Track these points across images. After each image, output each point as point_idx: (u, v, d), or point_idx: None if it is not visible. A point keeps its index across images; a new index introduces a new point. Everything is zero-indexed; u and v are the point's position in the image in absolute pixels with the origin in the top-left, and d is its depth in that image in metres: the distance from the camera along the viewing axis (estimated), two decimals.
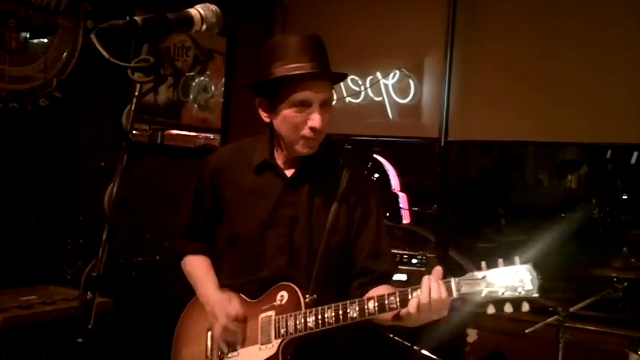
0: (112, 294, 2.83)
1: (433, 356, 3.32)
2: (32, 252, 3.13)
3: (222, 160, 2.09)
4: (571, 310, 3.10)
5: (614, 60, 3.65)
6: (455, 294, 1.61)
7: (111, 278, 3.43)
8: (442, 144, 4.15)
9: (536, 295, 1.55)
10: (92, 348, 1.19)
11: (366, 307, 1.72)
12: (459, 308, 3.86)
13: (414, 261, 3.76)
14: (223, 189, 2.04)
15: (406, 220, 4.28)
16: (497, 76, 4.02)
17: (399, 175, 4.36)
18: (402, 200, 4.29)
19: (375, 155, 4.60)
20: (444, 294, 1.62)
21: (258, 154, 1.99)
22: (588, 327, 3.55)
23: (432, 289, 1.62)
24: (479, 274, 1.60)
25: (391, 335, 3.34)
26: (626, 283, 3.22)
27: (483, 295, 1.58)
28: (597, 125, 3.74)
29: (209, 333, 2.00)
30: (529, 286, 1.55)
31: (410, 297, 1.66)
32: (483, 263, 1.61)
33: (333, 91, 1.95)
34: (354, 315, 1.73)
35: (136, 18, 1.25)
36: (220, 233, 2.07)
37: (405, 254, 3.77)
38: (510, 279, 1.57)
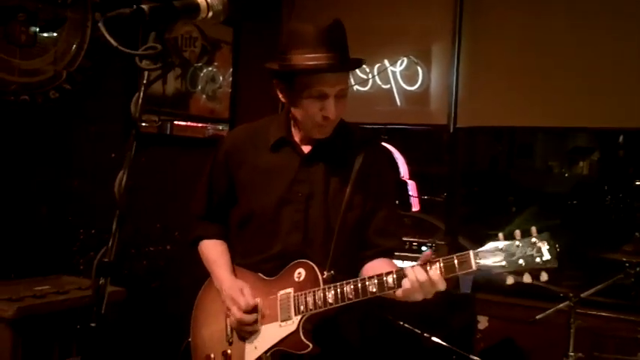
0: (124, 283, 2.87)
1: (444, 343, 3.32)
2: (45, 242, 3.17)
3: (236, 140, 2.12)
4: (582, 295, 3.09)
5: (625, 43, 3.62)
6: (474, 266, 1.62)
7: (122, 267, 3.47)
8: (450, 131, 4.15)
9: (554, 264, 1.56)
10: (104, 335, 1.21)
11: (385, 280, 1.74)
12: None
13: (424, 248, 3.76)
14: (237, 169, 2.06)
15: (415, 207, 4.27)
16: (505, 61, 4.01)
17: (408, 162, 4.35)
18: (411, 188, 4.28)
19: (383, 143, 4.59)
20: (433, 275, 1.65)
21: (274, 132, 2.02)
22: (600, 313, 3.55)
23: (417, 274, 1.66)
24: (497, 246, 1.62)
25: (401, 323, 3.34)
26: (638, 269, 3.19)
27: (502, 266, 1.60)
28: (608, 110, 3.72)
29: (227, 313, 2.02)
30: (547, 256, 1.57)
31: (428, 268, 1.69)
32: (500, 234, 1.63)
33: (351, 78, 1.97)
34: (374, 289, 1.75)
35: (143, 6, 1.26)
36: (234, 214, 2.10)
37: (415, 241, 3.77)
38: (528, 249, 1.58)
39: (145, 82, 1.24)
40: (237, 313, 1.93)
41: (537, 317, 3.10)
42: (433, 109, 4.27)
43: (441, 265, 1.66)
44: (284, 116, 2.04)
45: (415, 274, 1.66)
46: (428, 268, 1.67)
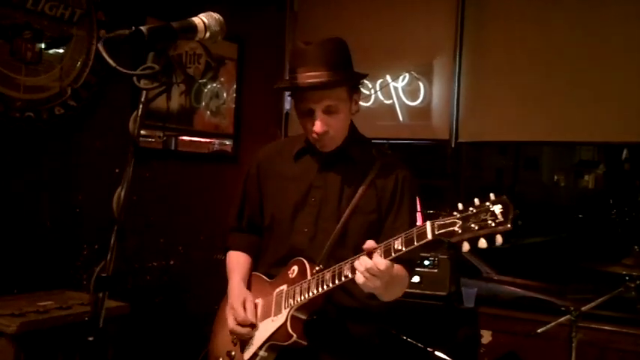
0: (128, 298, 2.88)
1: (448, 358, 3.32)
2: (48, 257, 3.19)
3: (267, 154, 2.24)
4: (583, 309, 3.09)
5: (630, 57, 3.63)
6: (430, 236, 1.63)
7: (126, 282, 3.49)
8: (453, 145, 4.17)
9: (508, 226, 1.53)
10: (102, 349, 1.23)
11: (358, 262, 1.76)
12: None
13: (427, 262, 3.76)
14: (266, 180, 2.17)
15: (419, 222, 4.27)
16: (507, 76, 4.02)
17: None
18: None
19: None
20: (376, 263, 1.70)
21: (298, 143, 2.14)
22: (602, 326, 3.54)
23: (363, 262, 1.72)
24: (454, 215, 1.61)
25: (404, 337, 3.35)
26: (638, 282, 3.19)
27: (457, 233, 1.59)
28: (612, 124, 3.72)
29: None
30: (500, 219, 1.54)
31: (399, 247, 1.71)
32: (460, 205, 1.61)
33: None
34: (347, 273, 1.78)
35: (142, 28, 1.29)
36: (263, 224, 2.18)
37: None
38: (482, 215, 1.56)
39: (143, 100, 1.27)
40: (231, 323, 2.02)
41: (539, 331, 3.11)
42: (435, 124, 4.29)
43: (401, 239, 1.69)
44: None
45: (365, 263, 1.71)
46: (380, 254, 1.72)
